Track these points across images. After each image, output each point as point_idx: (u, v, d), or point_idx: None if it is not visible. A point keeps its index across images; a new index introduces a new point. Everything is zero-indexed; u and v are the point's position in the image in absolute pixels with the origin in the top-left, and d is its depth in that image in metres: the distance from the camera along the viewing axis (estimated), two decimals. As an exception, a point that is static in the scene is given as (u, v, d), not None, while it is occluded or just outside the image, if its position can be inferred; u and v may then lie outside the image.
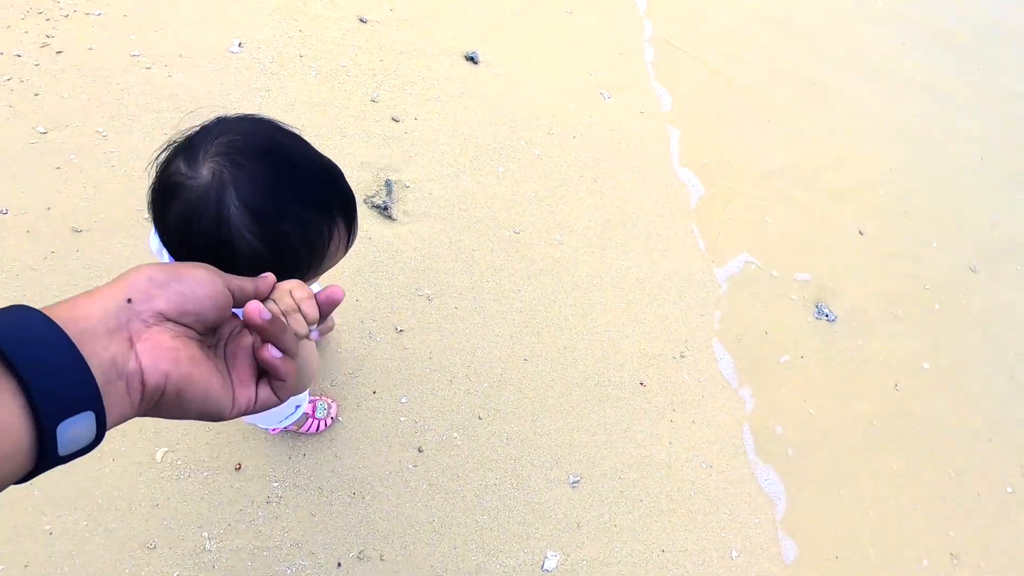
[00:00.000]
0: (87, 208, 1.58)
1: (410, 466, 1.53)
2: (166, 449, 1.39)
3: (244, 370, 0.50)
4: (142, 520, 1.32)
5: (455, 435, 1.59)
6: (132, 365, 0.41)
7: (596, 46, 2.46)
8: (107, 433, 0.40)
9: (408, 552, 1.44)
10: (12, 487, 0.38)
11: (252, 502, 1.39)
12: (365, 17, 2.17)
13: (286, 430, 1.45)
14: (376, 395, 1.58)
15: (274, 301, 0.53)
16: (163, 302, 0.44)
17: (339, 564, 1.39)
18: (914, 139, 2.79)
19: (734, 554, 1.64)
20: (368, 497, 1.46)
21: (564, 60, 2.37)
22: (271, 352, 0.48)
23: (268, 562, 1.35)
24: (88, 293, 0.42)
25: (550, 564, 1.51)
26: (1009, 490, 2.02)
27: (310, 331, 0.54)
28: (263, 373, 0.51)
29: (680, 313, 1.95)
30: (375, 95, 1.99)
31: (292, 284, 0.54)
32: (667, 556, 1.59)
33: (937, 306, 2.32)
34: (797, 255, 2.22)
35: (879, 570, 1.75)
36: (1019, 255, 2.62)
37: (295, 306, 0.53)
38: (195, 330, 0.47)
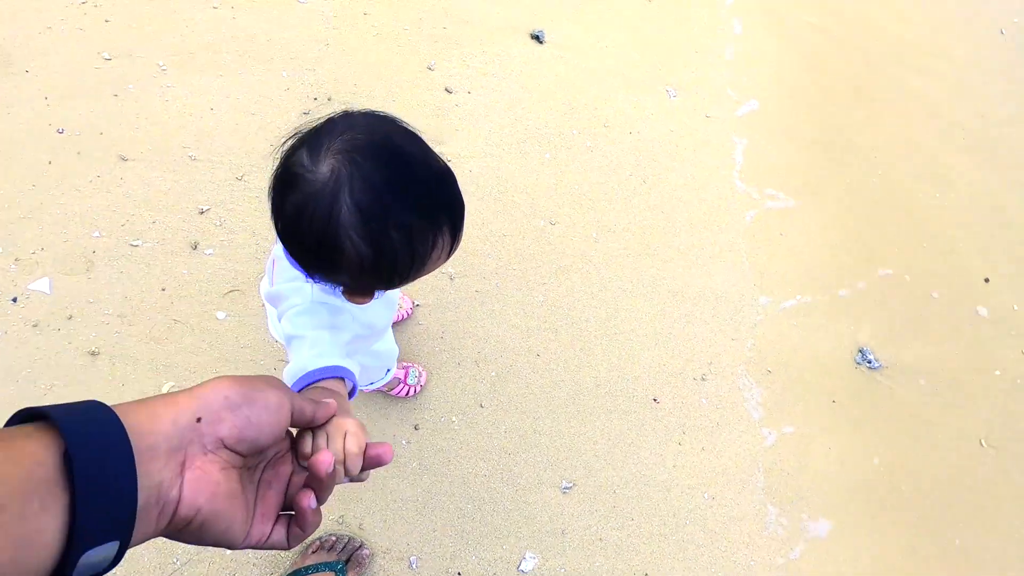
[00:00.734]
0: (136, 138, 1.62)
1: (403, 442, 1.52)
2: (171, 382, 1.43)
3: (270, 504, 0.48)
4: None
5: (454, 419, 1.57)
6: (173, 494, 0.40)
7: (672, 39, 2.33)
8: None
9: (387, 526, 1.44)
10: None
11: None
12: (436, -19, 2.12)
13: (377, 391, 1.48)
14: (382, 365, 1.57)
15: (328, 436, 0.52)
16: (227, 428, 0.43)
17: (318, 525, 1.40)
18: None
19: (721, 593, 1.57)
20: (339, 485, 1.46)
21: (634, 50, 2.25)
22: (310, 501, 0.47)
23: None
24: (165, 399, 0.42)
25: (527, 565, 1.48)
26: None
27: (343, 480, 0.53)
28: (285, 508, 0.50)
29: (710, 334, 1.85)
30: (432, 63, 1.95)
31: (350, 425, 0.53)
32: (649, 581, 1.53)
33: (998, 372, 2.12)
34: (849, 292, 2.06)
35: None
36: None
37: (342, 456, 0.51)
38: (245, 455, 0.46)
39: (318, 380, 0.67)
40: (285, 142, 0.65)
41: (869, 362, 1.94)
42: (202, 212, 1.59)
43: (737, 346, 1.86)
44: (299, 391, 0.66)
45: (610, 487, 1.60)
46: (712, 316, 1.88)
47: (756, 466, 1.72)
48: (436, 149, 0.70)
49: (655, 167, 2.05)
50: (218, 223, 1.59)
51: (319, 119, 0.66)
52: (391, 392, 1.51)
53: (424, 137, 0.69)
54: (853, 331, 2.00)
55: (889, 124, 2.45)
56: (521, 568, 1.47)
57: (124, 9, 1.75)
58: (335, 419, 0.53)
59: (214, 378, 0.44)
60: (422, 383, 1.55)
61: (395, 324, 1.61)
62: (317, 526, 0.48)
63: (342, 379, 0.69)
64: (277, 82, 1.78)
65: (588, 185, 1.95)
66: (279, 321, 0.79)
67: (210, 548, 1.30)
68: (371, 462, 0.53)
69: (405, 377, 1.51)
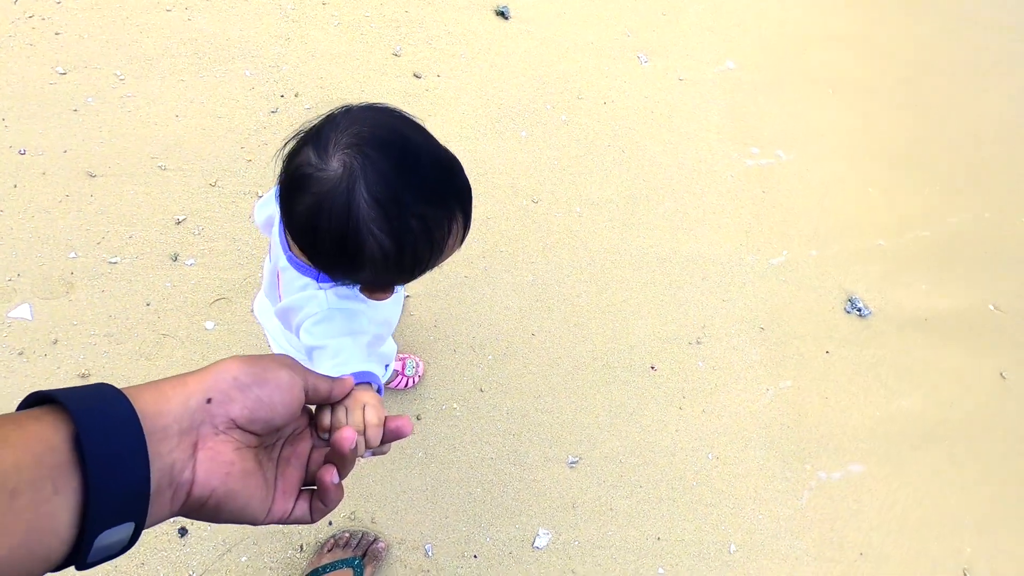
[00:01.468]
0: (102, 153, 1.57)
1: (407, 433, 1.52)
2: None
3: (291, 480, 0.48)
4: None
5: (455, 406, 1.57)
6: (186, 475, 0.40)
7: (637, 3, 2.29)
8: None
9: (399, 517, 1.45)
10: None
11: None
12: (394, -36, 2.06)
13: None
14: (378, 360, 1.57)
15: (346, 410, 0.51)
16: (239, 408, 0.42)
17: (330, 523, 1.41)
18: None
19: (732, 548, 1.60)
20: (362, 460, 1.47)
21: (601, 18, 2.22)
22: (333, 476, 0.47)
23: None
24: (175, 381, 0.41)
25: (541, 542, 1.50)
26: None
27: (365, 454, 0.52)
28: (307, 482, 0.49)
29: (701, 297, 1.86)
30: (397, 48, 1.91)
31: (368, 398, 0.53)
32: (662, 544, 1.56)
33: (991, 307, 2.16)
34: (834, 243, 2.08)
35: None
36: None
37: (362, 427, 0.51)
38: (260, 435, 0.45)
39: None
40: (285, 144, 0.64)
41: (859, 310, 1.97)
42: (179, 222, 1.56)
43: (729, 307, 1.88)
44: None
45: (616, 457, 1.62)
46: (702, 279, 1.88)
47: (757, 423, 1.75)
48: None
49: (632, 135, 2.04)
50: (196, 232, 1.56)
51: (318, 117, 0.64)
52: (390, 385, 1.51)
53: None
54: (840, 281, 2.02)
55: (864, 66, 2.45)
56: (536, 545, 1.49)
57: (73, 20, 1.69)
58: (353, 392, 0.53)
59: (224, 359, 0.44)
60: (420, 373, 1.55)
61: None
62: (339, 500, 0.49)
63: (368, 383, 0.69)
64: (241, 82, 1.73)
65: (567, 160, 1.93)
66: (296, 335, 0.77)
67: (226, 558, 1.30)
68: (391, 434, 0.53)
69: (403, 369, 1.51)
